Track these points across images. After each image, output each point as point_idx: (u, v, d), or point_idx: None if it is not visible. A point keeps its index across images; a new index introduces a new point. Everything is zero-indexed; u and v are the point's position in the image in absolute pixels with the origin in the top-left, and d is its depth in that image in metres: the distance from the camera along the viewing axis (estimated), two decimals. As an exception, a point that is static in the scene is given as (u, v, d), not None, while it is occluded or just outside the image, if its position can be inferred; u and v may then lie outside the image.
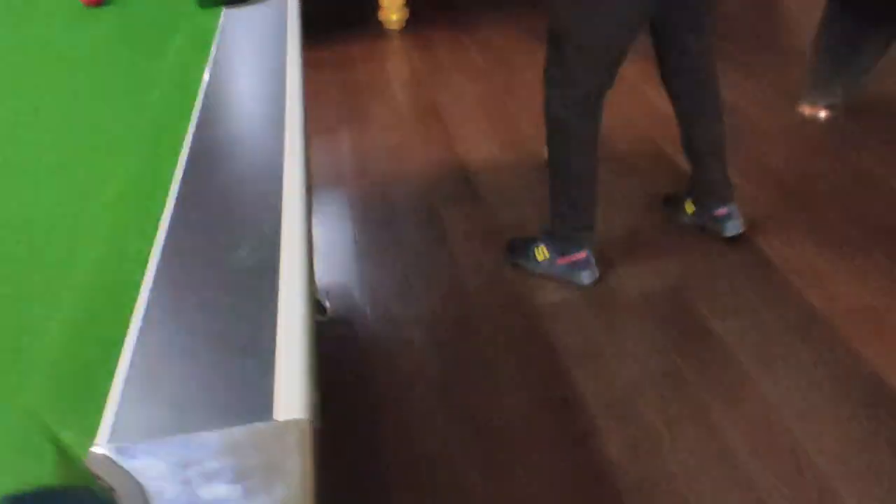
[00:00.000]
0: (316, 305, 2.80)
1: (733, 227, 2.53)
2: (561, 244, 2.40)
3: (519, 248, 2.51)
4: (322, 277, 2.55)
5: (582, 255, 2.40)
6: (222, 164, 0.96)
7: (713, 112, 2.45)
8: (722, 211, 2.53)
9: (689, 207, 2.61)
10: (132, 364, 0.66)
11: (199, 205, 0.88)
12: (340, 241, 2.72)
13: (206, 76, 1.22)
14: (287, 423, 0.58)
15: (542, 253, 2.45)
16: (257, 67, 1.27)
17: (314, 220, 2.82)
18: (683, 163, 2.65)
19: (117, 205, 0.93)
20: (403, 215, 2.83)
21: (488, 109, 3.54)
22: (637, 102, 3.42)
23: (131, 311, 0.72)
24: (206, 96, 1.15)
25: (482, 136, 3.33)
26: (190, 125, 1.06)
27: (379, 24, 4.69)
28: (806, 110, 3.31)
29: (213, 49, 1.35)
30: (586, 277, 2.40)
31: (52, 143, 1.13)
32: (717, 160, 2.50)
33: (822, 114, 3.28)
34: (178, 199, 0.89)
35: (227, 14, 1.53)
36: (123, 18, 1.68)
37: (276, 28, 1.40)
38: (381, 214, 2.85)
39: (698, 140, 2.48)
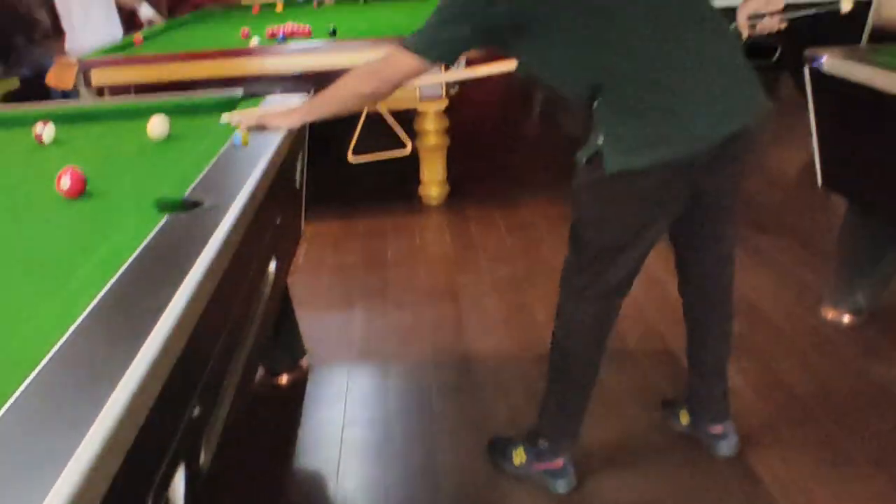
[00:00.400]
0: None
1: (727, 448, 2.42)
2: (540, 449, 2.33)
3: (499, 448, 2.44)
4: (299, 457, 2.51)
5: (559, 462, 2.31)
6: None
7: (722, 332, 2.38)
8: (717, 429, 2.43)
9: (684, 417, 2.52)
10: None
11: None
12: (326, 421, 2.68)
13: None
14: None
15: (519, 456, 2.37)
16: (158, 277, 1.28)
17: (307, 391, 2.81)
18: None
19: None
20: (394, 403, 2.79)
21: (506, 295, 3.53)
22: (651, 292, 3.36)
23: None
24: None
25: (493, 322, 3.30)
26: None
27: (419, 198, 4.79)
28: (828, 314, 3.21)
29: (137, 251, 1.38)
30: (561, 486, 2.31)
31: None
32: (719, 378, 2.41)
33: (846, 318, 3.17)
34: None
35: (168, 219, 1.56)
36: (89, 211, 1.74)
37: (198, 241, 1.42)
38: (372, 400, 2.82)
39: (702, 356, 2.40)
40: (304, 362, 3.00)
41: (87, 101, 4.04)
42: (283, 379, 2.94)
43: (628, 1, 1.91)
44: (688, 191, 2.04)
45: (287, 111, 2.31)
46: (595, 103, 1.96)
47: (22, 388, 0.99)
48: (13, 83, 6.52)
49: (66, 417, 0.92)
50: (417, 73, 2.05)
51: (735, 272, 2.34)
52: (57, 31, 6.17)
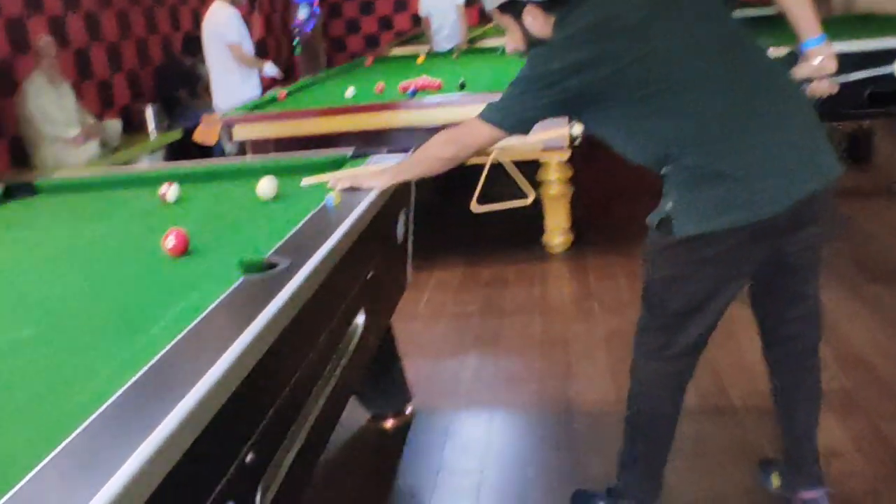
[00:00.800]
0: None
1: (819, 517, 2.37)
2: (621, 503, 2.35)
3: (580, 502, 2.47)
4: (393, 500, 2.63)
5: (639, 519, 2.33)
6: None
7: (809, 394, 2.33)
8: (810, 495, 2.37)
9: (776, 480, 2.47)
10: None
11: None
12: (424, 467, 2.78)
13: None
14: None
15: (602, 511, 2.40)
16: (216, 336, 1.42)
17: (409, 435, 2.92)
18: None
19: None
20: (493, 451, 2.86)
21: (615, 348, 3.54)
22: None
23: None
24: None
25: (600, 376, 3.32)
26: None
27: (542, 246, 4.86)
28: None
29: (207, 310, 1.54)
30: (643, 543, 2.32)
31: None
32: (809, 442, 2.37)
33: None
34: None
35: (244, 279, 1.72)
36: (184, 269, 1.92)
37: (261, 302, 1.55)
38: (471, 447, 2.90)
39: (791, 419, 2.36)
40: (409, 408, 3.12)
41: (227, 157, 4.35)
42: (388, 423, 3.06)
43: (700, 74, 1.95)
44: (760, 254, 2.04)
45: (378, 171, 2.46)
46: (664, 169, 2.01)
47: (80, 429, 1.15)
48: (176, 134, 7.05)
49: (103, 458, 1.06)
50: (494, 142, 2.17)
51: (823, 330, 2.30)
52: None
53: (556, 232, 4.82)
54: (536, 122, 2.12)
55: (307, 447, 1.74)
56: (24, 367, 1.48)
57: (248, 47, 6.46)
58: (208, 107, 6.59)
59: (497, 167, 4.51)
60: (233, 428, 1.36)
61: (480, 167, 4.44)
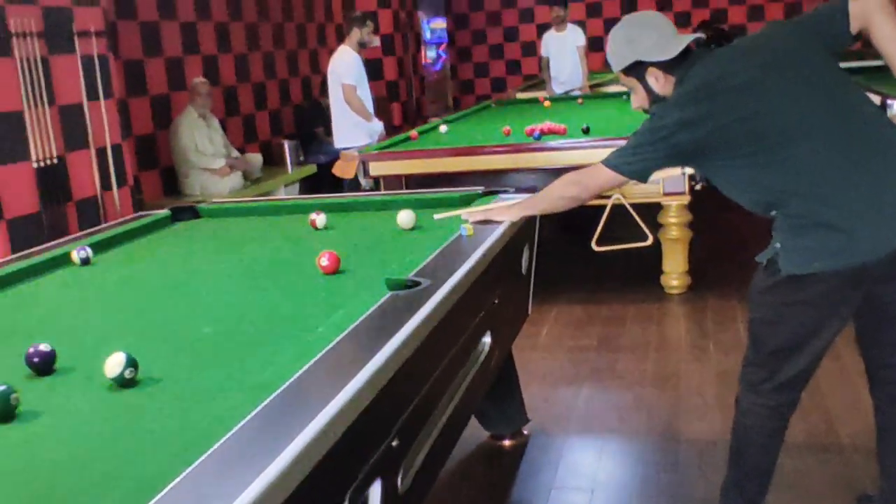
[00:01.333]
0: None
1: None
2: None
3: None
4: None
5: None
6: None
7: None
8: (903, 533, 2.47)
9: (873, 519, 2.57)
10: None
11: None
12: (538, 482, 2.98)
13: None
14: None
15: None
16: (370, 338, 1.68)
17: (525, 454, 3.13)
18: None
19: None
20: (602, 474, 3.04)
21: (726, 386, 3.65)
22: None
23: None
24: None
25: (709, 409, 3.46)
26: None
27: (660, 287, 5.01)
28: None
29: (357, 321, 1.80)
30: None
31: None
32: None
33: None
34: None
35: (391, 295, 1.98)
36: (337, 285, 2.20)
37: (406, 313, 1.81)
38: (582, 469, 3.08)
39: (889, 458, 2.47)
40: (526, 430, 3.33)
41: (363, 192, 4.68)
42: (506, 443, 3.28)
43: (807, 127, 2.15)
44: (857, 299, 2.20)
45: (508, 206, 2.70)
46: (773, 213, 2.20)
47: (263, 404, 1.41)
48: (311, 168, 7.50)
49: (287, 422, 1.32)
50: (613, 185, 2.41)
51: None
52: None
53: (674, 274, 4.96)
54: (652, 171, 2.34)
55: (440, 441, 1.98)
56: (210, 357, 1.77)
57: (365, 94, 6.70)
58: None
59: (619, 209, 4.72)
60: (386, 412, 1.61)
61: (602, 208, 4.67)
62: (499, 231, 2.55)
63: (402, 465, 1.73)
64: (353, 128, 6.60)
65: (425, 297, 1.91)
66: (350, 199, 3.37)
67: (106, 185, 4.97)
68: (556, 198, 2.58)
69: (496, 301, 2.59)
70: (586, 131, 5.14)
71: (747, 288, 2.38)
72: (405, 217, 2.81)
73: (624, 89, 7.30)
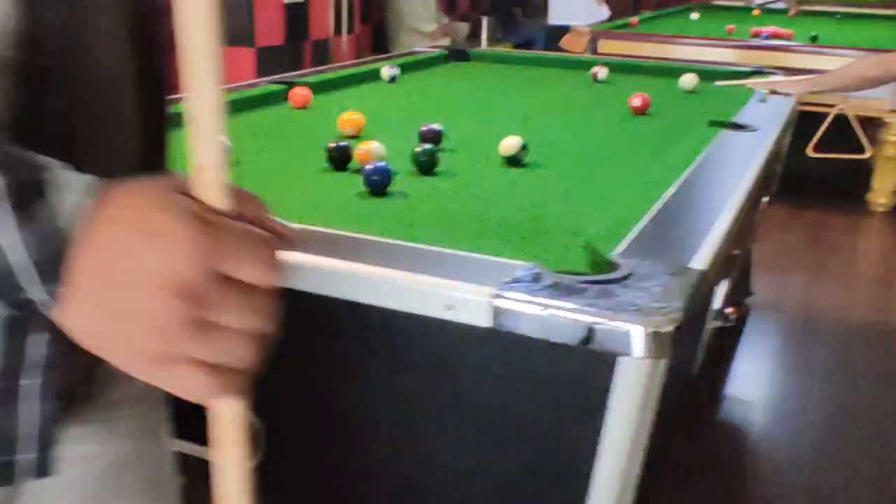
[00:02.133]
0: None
1: None
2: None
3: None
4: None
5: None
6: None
7: None
8: None
9: None
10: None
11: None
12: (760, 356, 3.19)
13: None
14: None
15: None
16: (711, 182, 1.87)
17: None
18: None
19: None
20: (815, 366, 3.22)
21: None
22: None
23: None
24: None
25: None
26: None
27: (865, 203, 5.04)
28: None
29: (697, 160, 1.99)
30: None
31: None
32: None
33: None
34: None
35: (720, 136, 2.17)
36: (654, 126, 2.41)
37: (746, 157, 1.99)
38: (793, 359, 3.27)
39: None
40: (750, 302, 3.52)
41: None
42: (731, 310, 3.47)
43: None
44: None
45: (798, 80, 2.84)
46: None
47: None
48: (507, 46, 7.65)
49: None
50: None
51: None
52: (545, 9, 7.14)
53: (883, 192, 4.98)
54: None
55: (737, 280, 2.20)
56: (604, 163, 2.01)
57: None
58: (539, 27, 7.11)
59: (840, 119, 4.76)
60: (737, 232, 1.83)
61: (823, 116, 4.71)
62: (790, 103, 2.70)
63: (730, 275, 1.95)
64: (578, 4, 6.66)
65: (758, 139, 2.10)
66: (628, 61, 3.56)
67: (337, 30, 5.28)
68: (855, 76, 2.70)
69: (776, 167, 2.75)
70: (814, 39, 5.14)
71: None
72: (689, 79, 2.96)
73: (835, 9, 7.20)
